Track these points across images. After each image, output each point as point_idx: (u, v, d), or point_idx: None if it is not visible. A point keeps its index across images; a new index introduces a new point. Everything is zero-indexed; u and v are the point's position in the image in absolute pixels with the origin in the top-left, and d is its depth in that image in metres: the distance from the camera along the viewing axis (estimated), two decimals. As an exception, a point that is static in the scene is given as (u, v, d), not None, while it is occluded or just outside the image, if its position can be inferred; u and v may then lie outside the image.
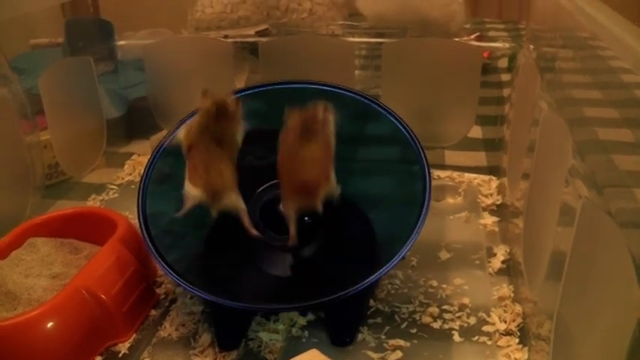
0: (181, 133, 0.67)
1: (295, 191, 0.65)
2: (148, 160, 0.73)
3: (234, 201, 0.66)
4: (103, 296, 0.64)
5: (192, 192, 0.64)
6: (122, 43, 1.12)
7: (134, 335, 0.67)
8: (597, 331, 0.43)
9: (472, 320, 0.67)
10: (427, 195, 0.68)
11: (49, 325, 0.60)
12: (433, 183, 0.70)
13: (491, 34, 1.40)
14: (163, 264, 0.65)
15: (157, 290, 0.74)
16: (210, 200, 0.65)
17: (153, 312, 0.71)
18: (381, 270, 0.64)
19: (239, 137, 0.68)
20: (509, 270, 0.75)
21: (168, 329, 0.68)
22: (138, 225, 0.69)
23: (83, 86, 1.01)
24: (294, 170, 0.65)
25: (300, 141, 0.64)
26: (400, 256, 0.64)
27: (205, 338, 0.66)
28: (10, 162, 0.86)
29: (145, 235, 0.67)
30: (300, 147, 0.64)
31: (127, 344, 0.66)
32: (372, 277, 0.63)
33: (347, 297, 0.62)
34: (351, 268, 0.69)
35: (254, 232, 0.66)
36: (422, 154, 0.71)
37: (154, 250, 0.66)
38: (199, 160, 0.65)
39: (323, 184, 0.65)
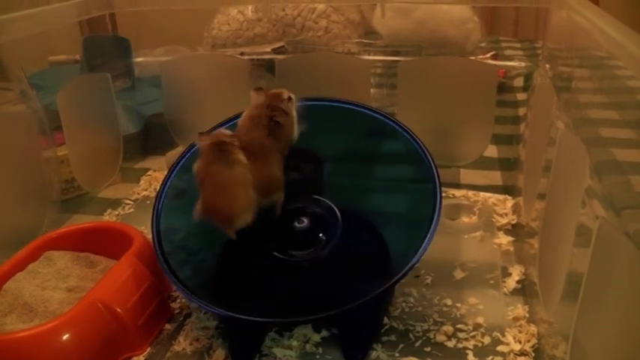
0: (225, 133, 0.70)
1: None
2: (165, 176, 0.74)
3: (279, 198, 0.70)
4: (118, 310, 0.64)
5: None
6: (139, 60, 1.14)
7: (149, 349, 0.68)
8: (614, 353, 0.43)
9: (486, 340, 0.67)
10: (437, 209, 0.68)
11: (65, 337, 0.60)
12: (448, 202, 0.70)
13: (507, 52, 1.40)
14: (175, 280, 0.65)
15: (172, 305, 0.74)
16: (261, 197, 0.68)
17: (167, 326, 0.71)
18: (391, 282, 0.64)
19: (294, 133, 0.73)
20: (524, 290, 0.74)
21: (182, 343, 0.68)
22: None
23: (100, 102, 1.02)
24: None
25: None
26: (407, 270, 0.64)
27: (219, 353, 0.66)
28: (28, 177, 0.87)
29: (158, 251, 0.68)
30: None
31: (142, 358, 0.66)
32: (383, 287, 0.63)
33: (360, 310, 0.62)
34: (365, 285, 0.69)
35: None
36: (435, 172, 0.71)
37: (166, 267, 0.66)
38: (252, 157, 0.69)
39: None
